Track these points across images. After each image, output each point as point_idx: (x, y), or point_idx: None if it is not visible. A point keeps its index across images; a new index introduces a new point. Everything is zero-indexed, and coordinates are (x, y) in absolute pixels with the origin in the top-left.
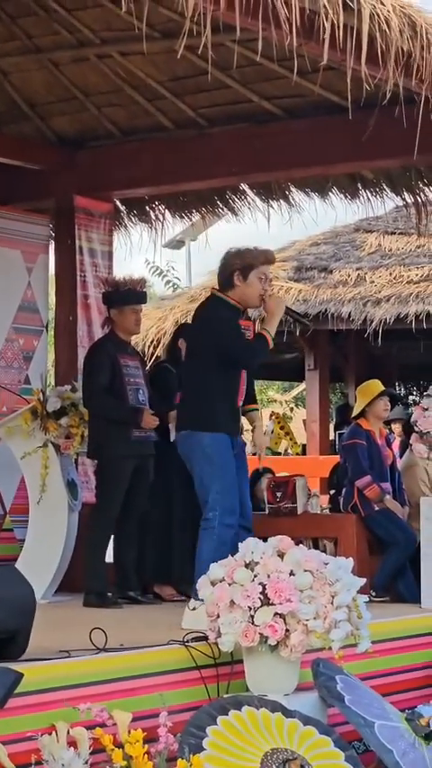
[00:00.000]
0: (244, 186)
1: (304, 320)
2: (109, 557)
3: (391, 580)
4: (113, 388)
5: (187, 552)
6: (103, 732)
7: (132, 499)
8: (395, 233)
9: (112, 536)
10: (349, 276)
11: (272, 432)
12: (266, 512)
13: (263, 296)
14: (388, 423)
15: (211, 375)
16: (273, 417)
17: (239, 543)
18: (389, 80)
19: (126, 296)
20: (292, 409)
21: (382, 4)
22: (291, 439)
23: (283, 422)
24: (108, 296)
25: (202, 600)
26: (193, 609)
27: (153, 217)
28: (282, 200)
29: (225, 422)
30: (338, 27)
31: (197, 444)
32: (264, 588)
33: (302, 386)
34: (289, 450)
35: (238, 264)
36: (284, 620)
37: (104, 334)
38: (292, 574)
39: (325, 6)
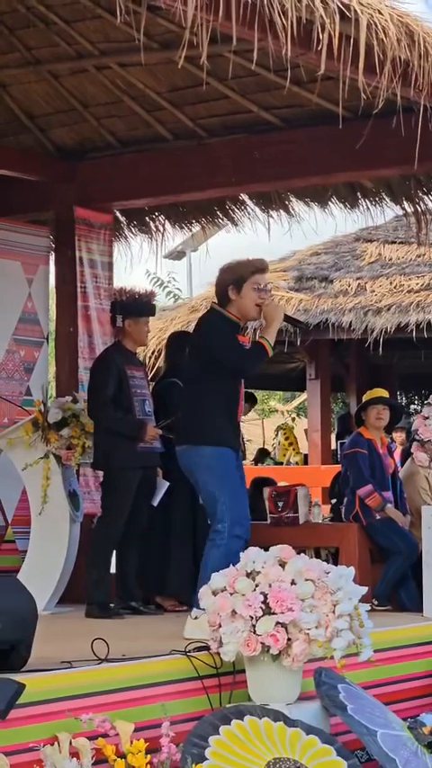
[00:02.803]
0: (244, 196)
1: (303, 326)
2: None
3: (392, 589)
4: (120, 399)
5: (186, 563)
6: (105, 742)
7: (136, 510)
8: (395, 242)
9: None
10: (350, 286)
11: (279, 443)
12: (268, 521)
13: (260, 305)
14: (389, 431)
15: (212, 389)
16: (280, 430)
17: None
18: (386, 89)
19: (144, 307)
20: (293, 419)
21: (380, 13)
22: (294, 449)
23: (290, 434)
24: (124, 306)
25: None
26: (196, 618)
27: (153, 227)
28: (282, 210)
29: (227, 437)
30: (335, 36)
31: (199, 457)
32: (265, 598)
33: (304, 396)
34: (291, 460)
35: (230, 279)
36: (286, 629)
37: (111, 345)
38: (293, 583)
39: (322, 16)
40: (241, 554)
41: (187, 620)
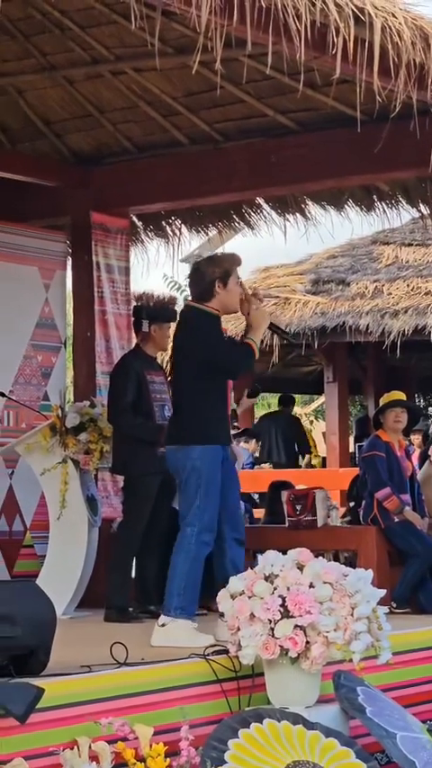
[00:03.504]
0: (260, 200)
1: (288, 336)
2: None
3: (411, 592)
4: (140, 404)
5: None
6: (124, 746)
7: (156, 514)
8: (412, 245)
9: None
10: (367, 288)
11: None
12: (286, 525)
13: (243, 300)
14: (407, 434)
15: (202, 389)
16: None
17: (231, 557)
18: (401, 92)
19: (170, 312)
20: (311, 422)
21: (394, 16)
22: (313, 452)
23: (308, 437)
24: (151, 311)
25: (173, 617)
26: (163, 625)
27: (170, 232)
28: (298, 214)
29: (215, 434)
30: (350, 40)
31: (187, 458)
32: (284, 601)
33: (322, 399)
34: (311, 463)
35: (218, 273)
36: (305, 632)
37: (131, 350)
38: (311, 586)
39: (336, 20)
40: (260, 557)
41: (155, 628)
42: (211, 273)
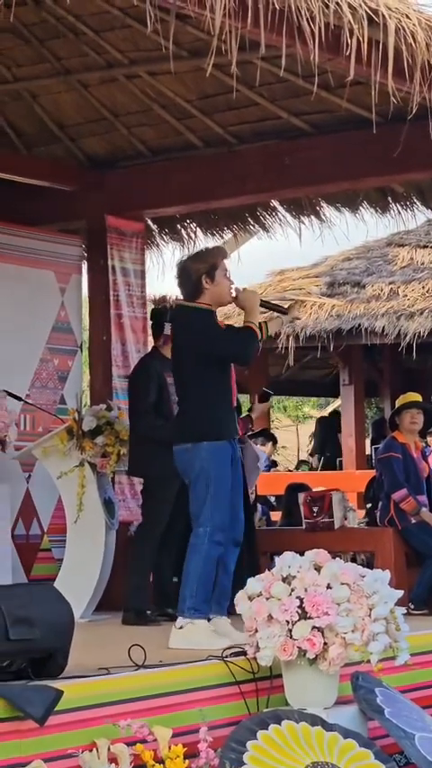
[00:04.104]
0: (275, 203)
1: (282, 308)
2: None
3: (429, 592)
4: (160, 406)
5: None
6: (143, 748)
7: (175, 517)
8: (427, 246)
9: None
10: (382, 290)
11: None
12: (303, 527)
13: (232, 291)
14: (423, 435)
15: (207, 386)
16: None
17: (229, 559)
18: (416, 94)
19: None
20: None
21: (408, 17)
22: None
23: None
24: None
25: (189, 618)
26: (181, 627)
27: (185, 235)
28: (313, 216)
29: (223, 428)
30: (363, 41)
31: (196, 457)
32: (301, 602)
33: (338, 401)
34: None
35: (203, 268)
36: (322, 633)
37: (149, 352)
38: (329, 587)
39: (350, 21)
40: (277, 558)
41: (172, 630)
42: (196, 270)
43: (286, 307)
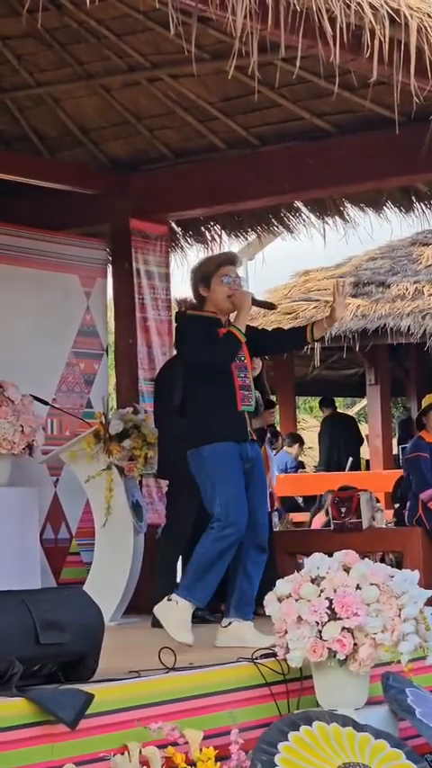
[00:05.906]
0: (298, 203)
1: (269, 304)
2: None
3: None
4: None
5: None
6: (175, 751)
7: (201, 518)
8: None
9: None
10: (407, 290)
11: None
12: (332, 527)
13: (231, 296)
14: None
15: (204, 391)
16: None
17: (251, 563)
18: None
19: None
20: None
21: (430, 16)
22: None
23: None
24: None
25: (182, 597)
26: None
27: (209, 237)
28: (337, 217)
29: (224, 432)
30: (385, 41)
31: (200, 459)
32: (330, 603)
33: (364, 401)
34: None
35: (198, 278)
36: (352, 634)
37: (175, 355)
38: (358, 588)
39: (371, 21)
40: (306, 560)
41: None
42: (193, 279)
43: (328, 312)
